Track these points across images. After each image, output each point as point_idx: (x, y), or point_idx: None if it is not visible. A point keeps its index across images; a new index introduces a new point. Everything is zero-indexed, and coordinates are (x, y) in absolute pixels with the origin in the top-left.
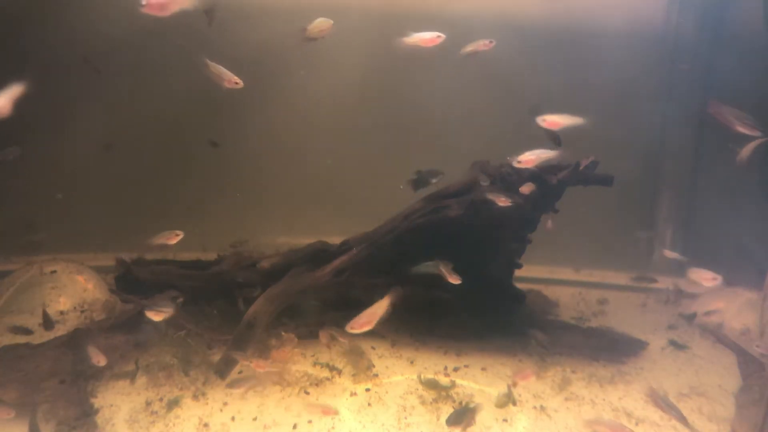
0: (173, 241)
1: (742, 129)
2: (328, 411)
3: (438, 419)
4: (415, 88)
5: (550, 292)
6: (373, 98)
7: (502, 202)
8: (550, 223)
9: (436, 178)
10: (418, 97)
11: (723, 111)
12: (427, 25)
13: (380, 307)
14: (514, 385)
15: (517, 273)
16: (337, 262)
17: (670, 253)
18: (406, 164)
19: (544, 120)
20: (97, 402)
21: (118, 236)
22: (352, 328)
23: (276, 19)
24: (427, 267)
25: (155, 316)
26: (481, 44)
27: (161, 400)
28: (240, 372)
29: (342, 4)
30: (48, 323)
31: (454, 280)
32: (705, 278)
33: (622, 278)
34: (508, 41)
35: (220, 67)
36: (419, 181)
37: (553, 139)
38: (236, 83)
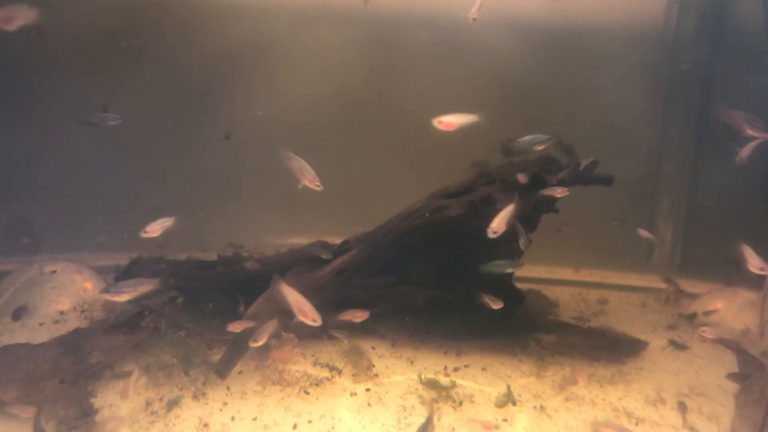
0: (157, 234)
1: (751, 132)
2: (489, 426)
3: (439, 419)
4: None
5: (550, 292)
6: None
7: (560, 193)
8: (564, 228)
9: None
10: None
11: (731, 114)
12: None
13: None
14: (576, 382)
15: (517, 273)
16: (337, 262)
17: (644, 233)
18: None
19: (440, 122)
20: (97, 402)
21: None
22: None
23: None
24: (498, 266)
25: (116, 297)
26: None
27: (161, 400)
28: (240, 372)
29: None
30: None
31: (496, 305)
32: (754, 265)
33: (622, 278)
34: (507, 41)
35: (303, 162)
36: (511, 149)
37: (566, 150)
38: (317, 186)
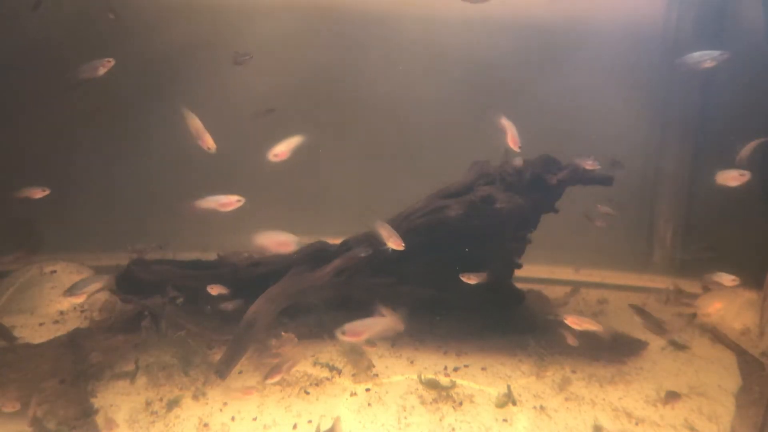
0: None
1: None
2: None
3: (440, 420)
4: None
5: (550, 292)
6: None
7: (590, 166)
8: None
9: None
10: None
11: None
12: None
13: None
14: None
15: (517, 273)
16: (337, 262)
17: (603, 208)
18: None
19: (275, 155)
20: (97, 402)
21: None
22: None
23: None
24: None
25: (76, 299)
26: None
27: (161, 400)
28: (240, 372)
29: None
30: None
31: (471, 280)
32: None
33: (622, 278)
34: (505, 41)
35: (389, 226)
36: (615, 165)
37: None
38: (400, 245)
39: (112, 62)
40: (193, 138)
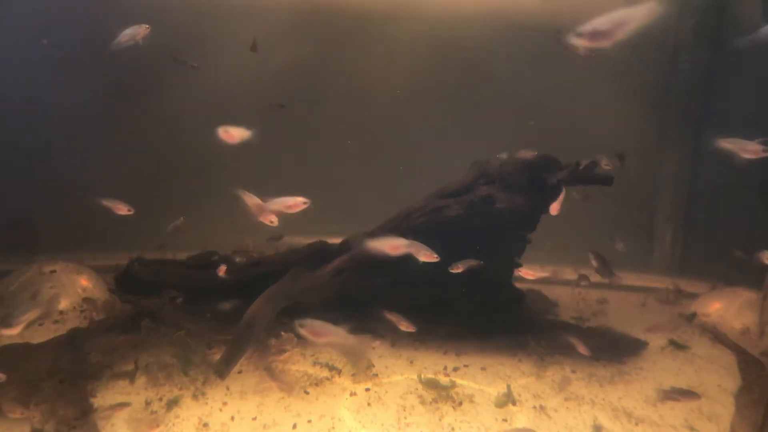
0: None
1: None
2: None
3: (439, 420)
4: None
5: (550, 292)
6: None
7: (605, 165)
8: None
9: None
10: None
11: None
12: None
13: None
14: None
15: (517, 273)
16: (337, 262)
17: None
18: None
19: (225, 131)
20: (96, 402)
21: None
22: None
23: None
24: None
25: (10, 331)
26: None
27: (161, 399)
28: (240, 372)
29: None
30: None
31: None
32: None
33: (622, 278)
34: (502, 41)
35: (420, 244)
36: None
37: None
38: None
39: (149, 28)
40: (253, 216)
